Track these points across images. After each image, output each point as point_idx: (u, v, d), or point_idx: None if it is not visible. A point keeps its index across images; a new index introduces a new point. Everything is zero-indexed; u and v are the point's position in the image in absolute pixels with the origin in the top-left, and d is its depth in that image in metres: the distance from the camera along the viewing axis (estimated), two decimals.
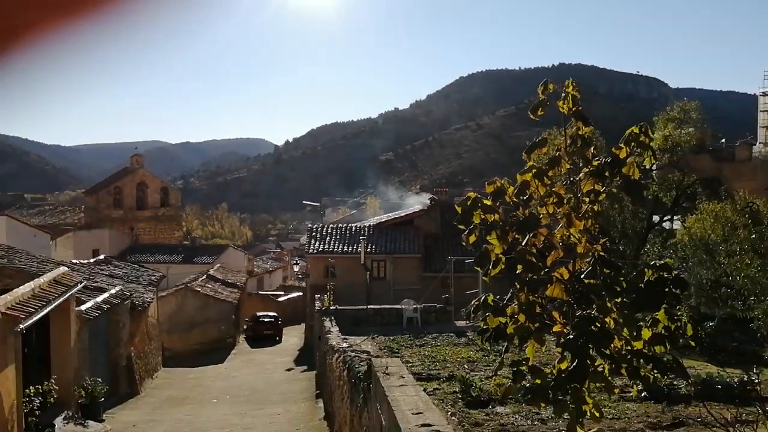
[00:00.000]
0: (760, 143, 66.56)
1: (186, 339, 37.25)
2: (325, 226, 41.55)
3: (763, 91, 67.52)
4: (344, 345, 15.42)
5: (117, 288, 25.02)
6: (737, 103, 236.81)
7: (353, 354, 12.73)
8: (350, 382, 11.42)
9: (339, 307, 25.46)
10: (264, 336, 41.13)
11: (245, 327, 43.54)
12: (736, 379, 10.94)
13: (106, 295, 23.26)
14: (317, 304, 28.26)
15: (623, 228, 29.89)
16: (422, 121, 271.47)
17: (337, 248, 36.88)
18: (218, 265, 49.37)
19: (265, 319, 42.38)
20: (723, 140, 78.46)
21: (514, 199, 8.56)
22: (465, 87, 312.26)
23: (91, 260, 33.01)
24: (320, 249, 37.00)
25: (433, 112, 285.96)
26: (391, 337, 20.70)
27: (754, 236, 15.75)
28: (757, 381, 12.27)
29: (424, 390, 11.90)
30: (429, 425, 5.30)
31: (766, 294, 12.25)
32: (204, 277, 42.53)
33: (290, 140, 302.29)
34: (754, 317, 13.03)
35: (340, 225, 42.57)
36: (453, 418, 9.49)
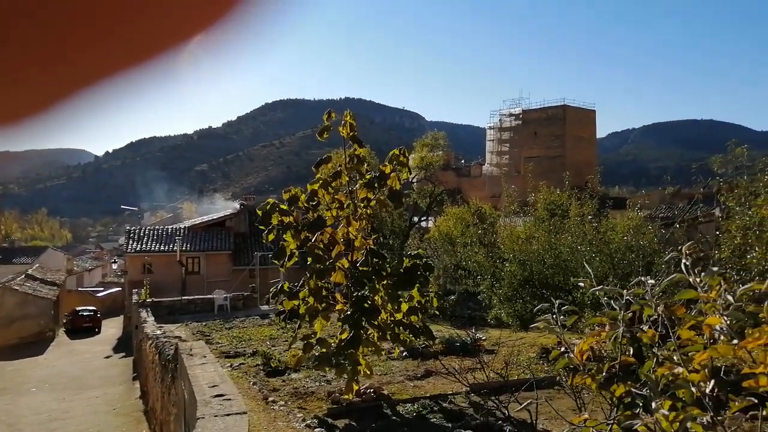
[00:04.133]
0: (487, 164, 74.40)
1: (5, 334, 32.34)
2: (143, 228, 38.48)
3: (489, 126, 75.60)
4: (158, 332, 14.39)
5: None
6: (472, 134, 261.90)
7: (165, 339, 11.95)
8: (161, 364, 10.70)
9: (155, 300, 23.71)
10: (83, 328, 37.40)
11: (65, 321, 39.00)
12: (469, 338, 12.03)
13: None
14: (135, 297, 26.08)
15: (392, 227, 31.53)
16: (234, 138, 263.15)
17: (154, 247, 34.45)
18: (37, 264, 43.57)
19: (84, 313, 38.63)
20: (462, 161, 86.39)
21: (306, 205, 8.66)
22: (270, 111, 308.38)
23: None
24: (138, 248, 34.24)
25: (243, 131, 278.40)
26: (204, 323, 19.74)
27: (480, 232, 17.55)
28: (483, 339, 13.65)
29: (231, 365, 11.53)
30: (221, 395, 5.14)
31: (488, 274, 13.67)
32: (23, 276, 37.29)
33: (110, 151, 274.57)
34: (480, 291, 14.47)
35: (157, 227, 39.70)
36: (254, 386, 9.29)
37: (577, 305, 11.68)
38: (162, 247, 34.43)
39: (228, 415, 4.47)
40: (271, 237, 7.80)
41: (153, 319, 19.16)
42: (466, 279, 16.31)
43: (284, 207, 8.22)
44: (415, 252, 9.65)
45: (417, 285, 8.77)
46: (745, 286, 1.77)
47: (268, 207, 8.01)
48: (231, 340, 15.72)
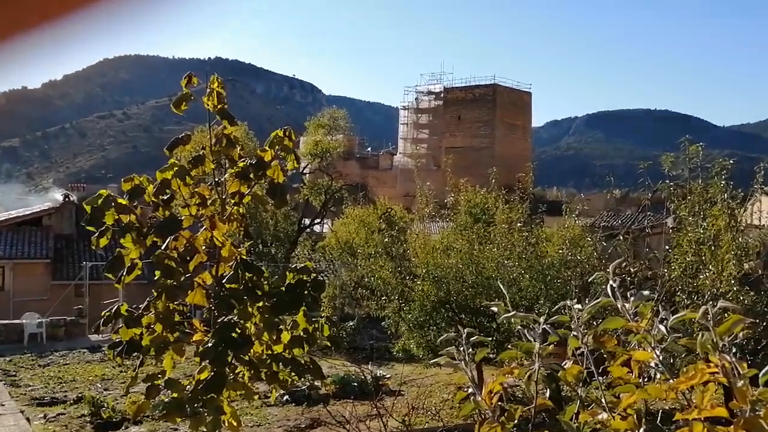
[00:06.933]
0: (400, 154, 75.67)
1: None
2: None
3: (403, 105, 77.11)
4: None
5: None
6: (382, 115, 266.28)
7: None
8: None
9: None
10: None
11: None
12: (369, 377, 12.20)
13: None
14: None
15: (275, 231, 31.31)
16: (58, 105, 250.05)
17: None
18: None
19: None
20: (369, 149, 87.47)
21: (154, 199, 8.36)
22: (111, 71, 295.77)
23: None
24: None
25: (71, 95, 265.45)
26: (8, 358, 18.59)
27: (387, 240, 17.84)
28: (387, 377, 13.88)
29: (45, 416, 10.91)
30: None
31: (395, 294, 13.94)
32: None
33: None
34: (386, 316, 14.74)
35: None
36: None
37: (503, 333, 12.20)
38: None
39: None
40: (103, 242, 7.47)
41: None
42: (369, 300, 16.50)
43: (123, 201, 7.91)
44: (303, 265, 9.67)
45: (303, 308, 8.77)
46: (676, 316, 1.93)
47: (101, 201, 7.65)
48: (47, 381, 15.07)
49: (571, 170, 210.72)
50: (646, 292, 2.06)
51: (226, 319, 7.80)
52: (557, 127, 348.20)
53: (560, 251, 12.30)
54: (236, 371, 8.04)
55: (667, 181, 11.80)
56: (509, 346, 2.25)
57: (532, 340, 2.09)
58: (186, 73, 8.42)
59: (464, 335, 2.24)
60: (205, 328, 8.42)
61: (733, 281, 10.08)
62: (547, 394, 2.08)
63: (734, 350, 1.82)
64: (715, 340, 1.78)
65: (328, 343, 9.63)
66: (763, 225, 13.47)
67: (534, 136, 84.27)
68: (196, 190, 8.35)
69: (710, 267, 10.38)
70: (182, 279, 8.02)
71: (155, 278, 7.94)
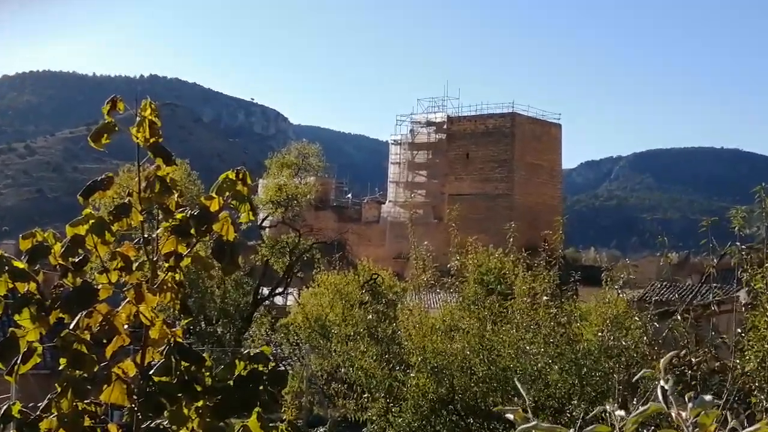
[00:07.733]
0: (389, 202, 75.70)
1: None
2: None
3: (394, 139, 77.48)
4: None
5: None
6: (367, 151, 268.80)
7: None
8: None
9: None
10: None
11: None
12: None
13: None
14: None
15: (223, 304, 31.04)
16: None
17: None
18: None
19: None
20: (350, 195, 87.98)
21: (63, 262, 8.26)
22: (12, 91, 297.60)
23: None
24: None
25: None
26: None
27: (371, 316, 17.65)
28: None
29: None
30: None
31: (381, 390, 13.76)
32: None
33: None
34: (368, 420, 14.49)
35: None
36: None
37: None
38: None
39: None
40: None
41: None
42: (347, 398, 16.27)
43: (20, 264, 7.81)
44: (259, 350, 9.54)
45: (258, 409, 8.61)
46: (751, 429, 1.91)
47: None
48: None
49: (613, 226, 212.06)
50: (708, 397, 2.04)
51: (152, 425, 7.63)
52: (595, 169, 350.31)
53: (599, 334, 12.23)
54: None
55: (738, 243, 11.81)
56: None
57: None
58: (110, 96, 8.45)
59: None
60: None
61: None
62: None
63: None
64: None
65: None
66: None
67: (565, 180, 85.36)
68: (118, 249, 8.26)
69: None
70: (96, 369, 7.88)
71: (60, 368, 7.79)
